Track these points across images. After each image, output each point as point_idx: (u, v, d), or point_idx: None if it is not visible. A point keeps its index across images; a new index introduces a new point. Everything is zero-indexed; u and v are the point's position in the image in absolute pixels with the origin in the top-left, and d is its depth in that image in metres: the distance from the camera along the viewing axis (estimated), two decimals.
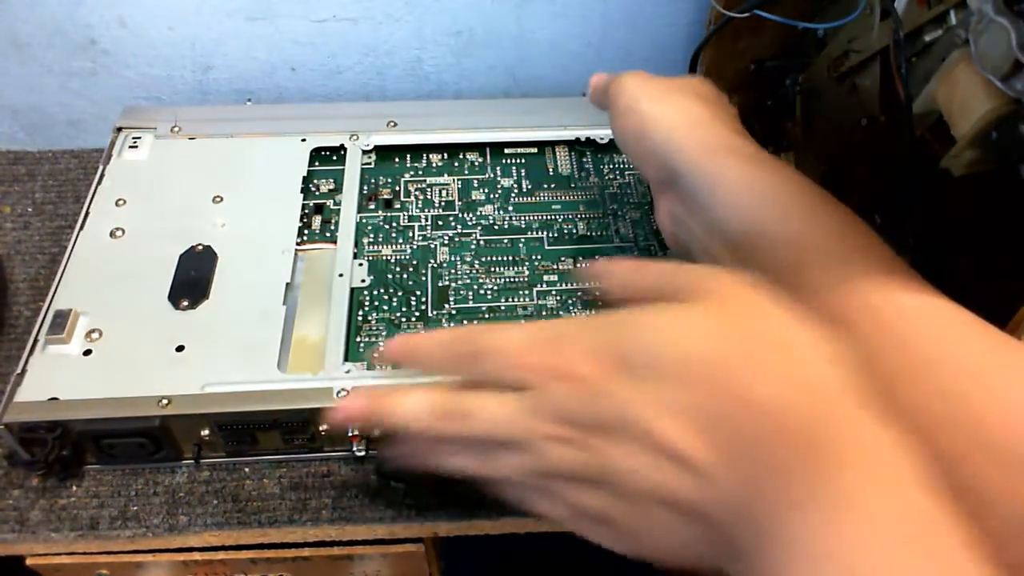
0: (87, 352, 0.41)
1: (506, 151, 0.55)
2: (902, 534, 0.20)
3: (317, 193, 0.52)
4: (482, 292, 0.46)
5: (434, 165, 0.54)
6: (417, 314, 0.45)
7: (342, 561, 0.43)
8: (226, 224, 0.48)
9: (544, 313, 0.45)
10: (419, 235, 0.49)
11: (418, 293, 0.46)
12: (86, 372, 0.40)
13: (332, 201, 0.51)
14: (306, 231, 0.49)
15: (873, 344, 0.28)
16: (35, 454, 0.39)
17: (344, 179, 0.52)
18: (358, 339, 0.44)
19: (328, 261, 0.47)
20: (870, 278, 0.30)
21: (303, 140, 0.53)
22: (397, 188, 0.52)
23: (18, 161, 0.59)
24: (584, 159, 0.55)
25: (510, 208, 0.51)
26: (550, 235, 0.50)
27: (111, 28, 0.59)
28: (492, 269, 0.48)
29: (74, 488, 0.41)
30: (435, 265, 0.48)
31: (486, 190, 0.52)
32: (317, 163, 0.53)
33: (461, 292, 0.46)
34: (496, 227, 0.50)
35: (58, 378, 0.40)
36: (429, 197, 0.52)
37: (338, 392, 0.40)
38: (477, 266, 0.48)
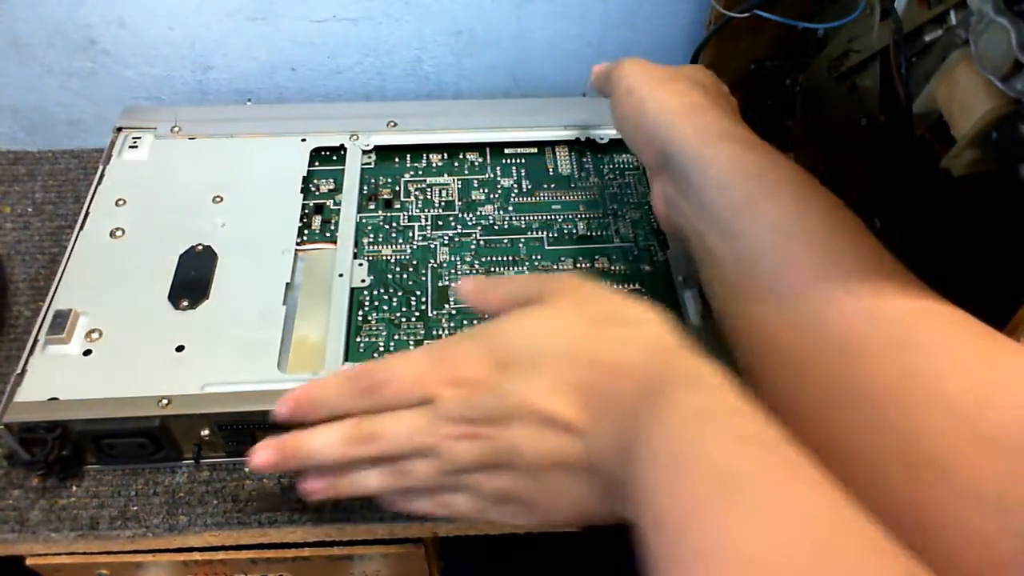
0: (87, 352, 0.41)
1: (506, 151, 0.55)
2: (720, 419, 0.25)
3: (317, 193, 0.52)
4: None
5: (434, 165, 0.54)
6: (417, 314, 0.45)
7: (342, 561, 0.43)
8: (226, 224, 0.48)
9: None
10: (419, 235, 0.49)
11: (418, 293, 0.46)
12: (86, 372, 0.40)
13: (332, 201, 0.51)
14: (306, 231, 0.49)
15: (853, 324, 0.29)
16: (35, 454, 0.39)
17: (344, 179, 0.52)
18: (358, 339, 0.44)
19: (328, 261, 0.47)
20: (852, 264, 0.30)
21: (303, 140, 0.53)
22: (397, 188, 0.52)
23: (18, 161, 0.59)
24: (584, 159, 0.55)
25: (510, 208, 0.51)
26: (550, 235, 0.50)
27: (111, 28, 0.59)
28: (492, 269, 0.48)
29: (74, 488, 0.41)
30: (435, 265, 0.48)
31: (486, 190, 0.52)
32: (317, 163, 0.53)
33: None
34: (496, 227, 0.50)
35: (58, 378, 0.40)
36: (429, 197, 0.52)
37: None
38: (477, 266, 0.48)
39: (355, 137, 0.54)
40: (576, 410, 0.29)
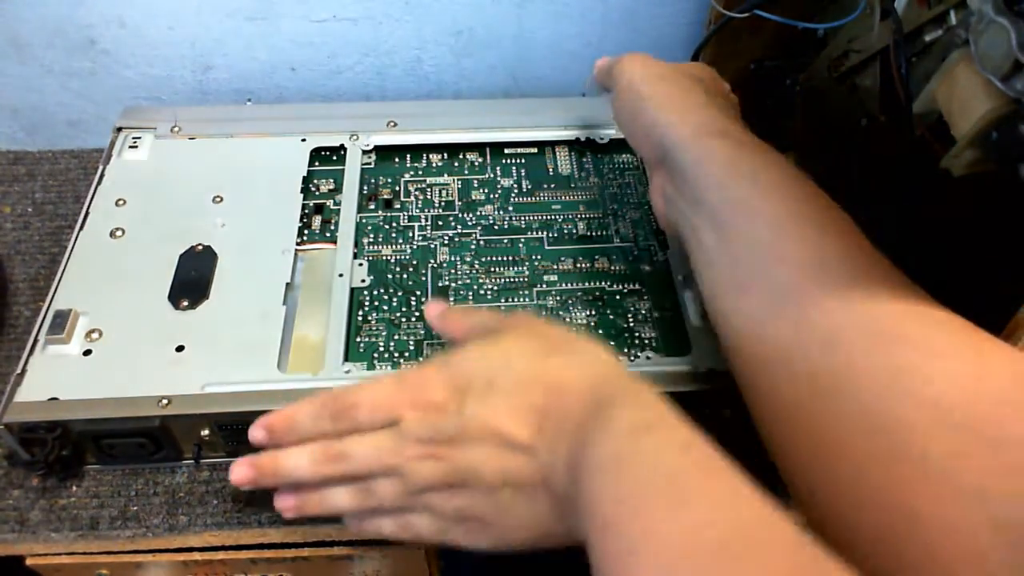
0: (87, 352, 0.41)
1: (506, 151, 0.55)
2: (659, 431, 0.28)
3: (317, 193, 0.52)
4: (482, 292, 0.46)
5: (434, 165, 0.54)
6: (417, 314, 0.45)
7: (342, 561, 0.43)
8: (226, 224, 0.48)
9: (544, 313, 0.45)
10: (419, 235, 0.49)
11: (418, 293, 0.46)
12: (86, 372, 0.40)
13: (332, 201, 0.51)
14: (306, 231, 0.49)
15: (840, 320, 0.29)
16: (35, 454, 0.39)
17: (344, 179, 0.52)
18: (358, 339, 0.44)
19: (328, 261, 0.47)
20: (842, 262, 0.31)
21: (303, 140, 0.53)
22: (397, 188, 0.52)
23: (18, 161, 0.59)
24: (584, 159, 0.55)
25: (510, 208, 0.51)
26: (550, 235, 0.50)
27: (111, 28, 0.59)
28: (492, 269, 0.48)
29: (74, 488, 0.41)
30: (435, 265, 0.48)
31: (486, 190, 0.52)
32: (317, 163, 0.53)
33: (461, 292, 0.46)
34: (496, 227, 0.50)
35: (58, 378, 0.40)
36: (429, 197, 0.52)
37: None
38: (477, 266, 0.48)
39: (355, 137, 0.54)
40: (529, 431, 0.31)
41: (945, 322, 0.28)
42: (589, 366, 0.32)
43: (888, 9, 0.39)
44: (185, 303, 0.44)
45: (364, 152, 0.54)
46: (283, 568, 0.44)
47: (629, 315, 0.45)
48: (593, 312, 0.46)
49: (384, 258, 0.48)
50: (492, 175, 0.53)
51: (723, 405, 0.40)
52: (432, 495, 0.33)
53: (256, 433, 0.35)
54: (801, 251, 0.32)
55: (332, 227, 0.49)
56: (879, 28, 0.41)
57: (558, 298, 0.46)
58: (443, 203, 0.51)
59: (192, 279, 0.45)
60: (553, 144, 0.55)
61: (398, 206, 0.51)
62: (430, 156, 0.54)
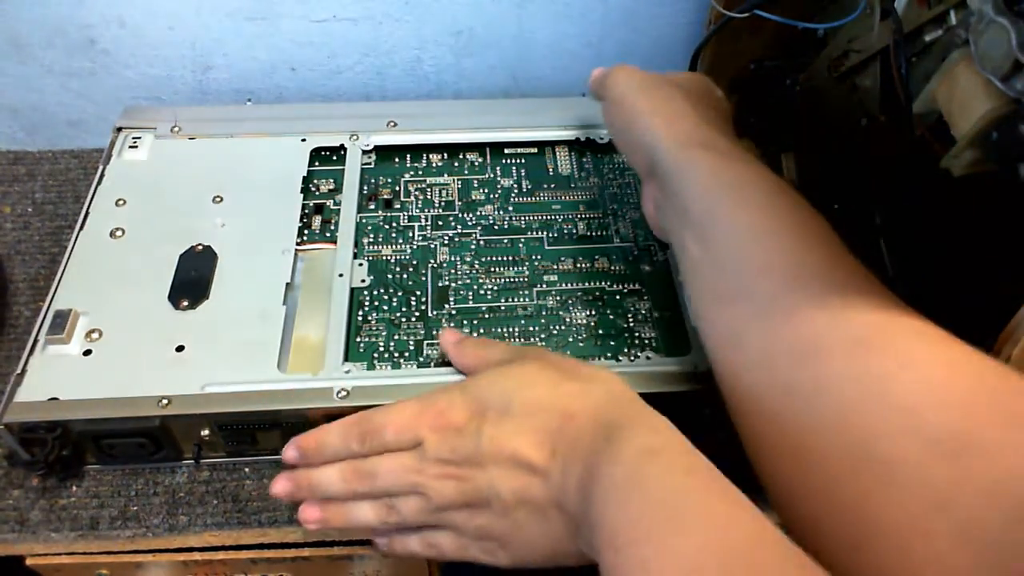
0: (87, 352, 0.41)
1: (506, 151, 0.55)
2: (667, 455, 0.29)
3: (317, 193, 0.52)
4: (482, 292, 0.46)
5: (434, 165, 0.54)
6: (417, 314, 0.45)
7: (342, 561, 0.43)
8: (226, 224, 0.48)
9: (544, 313, 0.45)
10: (419, 235, 0.49)
11: (418, 293, 0.46)
12: (86, 372, 0.40)
13: (332, 201, 0.51)
14: (306, 231, 0.49)
15: (816, 328, 0.30)
16: (35, 454, 0.39)
17: (344, 179, 0.52)
18: (358, 339, 0.44)
19: (328, 261, 0.47)
20: (819, 272, 0.32)
21: (303, 140, 0.53)
22: (397, 188, 0.52)
23: (18, 161, 0.59)
24: (584, 159, 0.55)
25: (510, 208, 0.51)
26: (550, 235, 0.50)
27: (111, 28, 0.59)
28: (492, 269, 0.48)
29: (74, 488, 0.41)
30: (435, 265, 0.48)
31: (486, 190, 0.52)
32: (317, 163, 0.53)
33: (461, 292, 0.46)
34: (496, 227, 0.50)
35: (58, 378, 0.40)
36: (429, 197, 0.52)
37: (338, 392, 0.40)
38: (477, 266, 0.48)
39: (355, 137, 0.54)
40: (544, 453, 0.32)
41: (918, 331, 0.29)
42: (601, 393, 0.34)
43: (888, 9, 0.39)
44: (185, 303, 0.44)
45: (364, 152, 0.54)
46: (283, 568, 0.44)
47: (629, 315, 0.45)
48: (593, 312, 0.46)
49: (384, 258, 0.48)
50: (492, 175, 0.53)
51: (723, 405, 0.40)
52: (453, 513, 0.34)
53: (289, 452, 0.37)
54: (779, 262, 0.32)
55: (332, 227, 0.49)
56: (879, 28, 0.41)
57: (558, 298, 0.46)
58: (443, 203, 0.51)
59: (192, 279, 0.45)
60: (553, 144, 0.55)
61: (398, 206, 0.51)
62: (430, 156, 0.54)
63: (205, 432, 0.40)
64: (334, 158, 0.54)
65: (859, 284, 0.31)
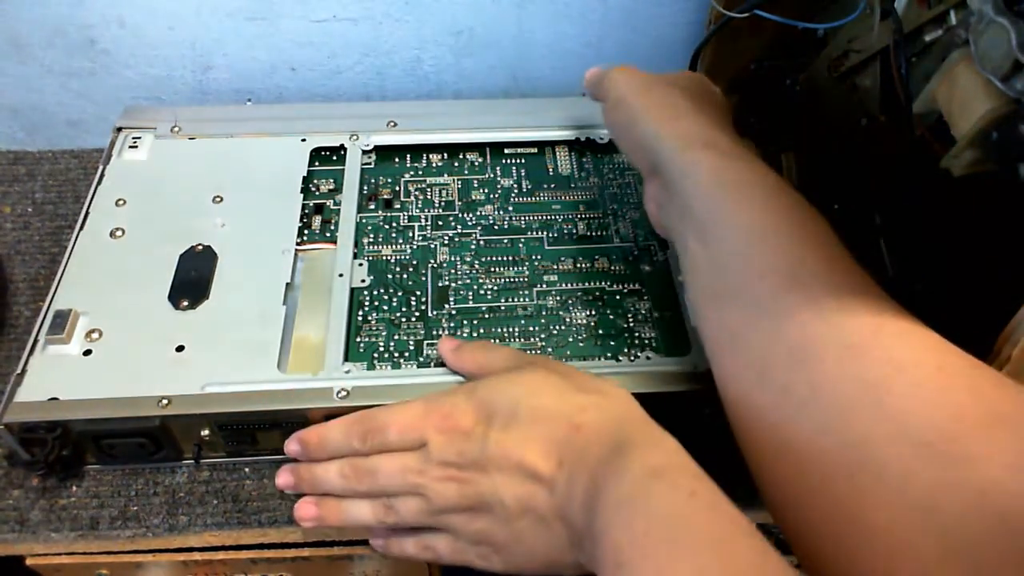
0: (87, 352, 0.41)
1: (506, 151, 0.55)
2: (672, 477, 0.29)
3: (317, 193, 0.52)
4: (482, 292, 0.46)
5: (434, 165, 0.54)
6: (417, 314, 0.45)
7: (342, 561, 0.43)
8: (226, 224, 0.48)
9: (544, 313, 0.45)
10: (419, 235, 0.49)
11: (418, 293, 0.46)
12: (86, 372, 0.40)
13: (332, 201, 0.51)
14: (306, 231, 0.49)
15: (811, 331, 0.30)
16: (35, 454, 0.39)
17: (344, 179, 0.52)
18: (358, 339, 0.44)
19: (328, 261, 0.47)
20: (817, 274, 0.32)
21: (303, 140, 0.53)
22: (397, 188, 0.52)
23: (18, 161, 0.59)
24: (584, 159, 0.55)
25: (510, 208, 0.51)
26: (550, 235, 0.50)
27: (111, 28, 0.59)
28: (492, 269, 0.48)
29: (74, 488, 0.41)
30: (435, 265, 0.48)
31: (486, 190, 0.52)
32: (317, 163, 0.53)
33: (461, 292, 0.46)
34: (496, 227, 0.50)
35: (58, 378, 0.40)
36: (429, 197, 0.52)
37: (338, 392, 0.40)
38: (477, 266, 0.48)
39: (355, 137, 0.54)
40: (551, 463, 0.32)
41: (912, 335, 0.29)
42: (610, 408, 0.34)
43: (888, 9, 0.39)
44: (185, 303, 0.44)
45: (364, 152, 0.54)
46: (283, 568, 0.44)
47: (629, 315, 0.45)
48: (593, 312, 0.46)
49: (384, 258, 0.48)
50: (492, 175, 0.53)
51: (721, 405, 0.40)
52: (452, 516, 0.34)
53: (291, 446, 0.38)
54: (778, 262, 0.32)
55: (332, 227, 0.49)
56: (879, 28, 0.41)
57: (558, 298, 0.46)
58: (443, 203, 0.51)
59: (192, 279, 0.45)
60: (553, 144, 0.55)
61: (398, 206, 0.51)
62: (430, 156, 0.54)
63: (205, 432, 0.40)
64: (334, 158, 0.54)
65: (856, 287, 0.31)
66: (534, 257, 0.48)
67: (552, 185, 0.53)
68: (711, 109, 0.41)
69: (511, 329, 0.45)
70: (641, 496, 0.29)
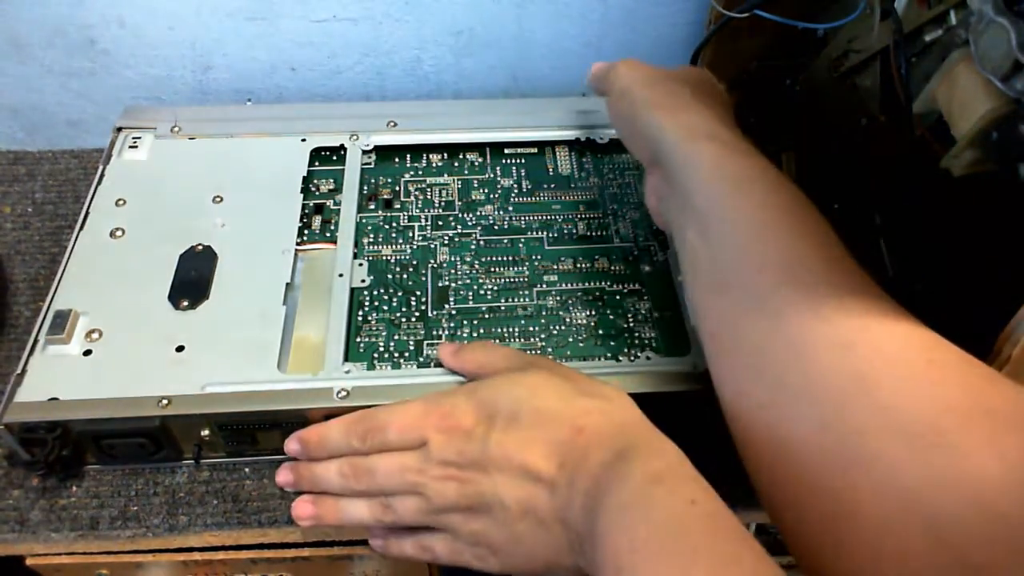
0: (87, 352, 0.41)
1: (506, 151, 0.55)
2: (672, 484, 0.29)
3: (317, 193, 0.52)
4: (482, 292, 0.46)
5: (434, 165, 0.54)
6: (417, 314, 0.45)
7: (342, 561, 0.43)
8: (226, 224, 0.48)
9: (544, 313, 0.45)
10: (419, 235, 0.49)
11: (418, 293, 0.46)
12: (86, 372, 0.40)
13: (332, 201, 0.51)
14: (306, 231, 0.49)
15: (806, 325, 0.30)
16: (35, 454, 0.39)
17: (344, 179, 0.52)
18: (358, 339, 0.44)
19: (328, 261, 0.47)
20: (814, 268, 0.32)
21: (303, 140, 0.53)
22: (397, 188, 0.52)
23: (18, 161, 0.59)
24: (584, 159, 0.55)
25: (510, 208, 0.51)
26: (550, 235, 0.50)
27: (111, 28, 0.59)
28: (492, 269, 0.48)
29: (74, 488, 0.41)
30: (435, 265, 0.48)
31: (486, 190, 0.52)
32: (317, 163, 0.53)
33: (461, 292, 0.46)
34: (496, 227, 0.50)
35: (58, 378, 0.40)
36: (429, 197, 0.52)
37: (338, 392, 0.40)
38: (477, 266, 0.48)
39: (355, 137, 0.54)
40: (552, 465, 0.32)
41: (905, 330, 0.29)
42: (612, 412, 0.34)
43: (888, 9, 0.39)
44: (185, 303, 0.44)
45: (364, 152, 0.54)
46: (283, 568, 0.44)
47: (629, 315, 0.45)
48: (593, 312, 0.46)
49: (384, 258, 0.48)
50: (492, 175, 0.53)
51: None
52: (450, 516, 0.34)
53: (291, 445, 0.38)
54: (776, 256, 0.32)
55: (332, 227, 0.49)
56: (879, 28, 0.41)
57: (558, 298, 0.46)
58: (443, 203, 0.51)
59: (192, 279, 0.45)
60: (553, 144, 0.55)
61: (398, 206, 0.51)
62: (430, 156, 0.54)
63: (205, 432, 0.40)
64: (334, 158, 0.54)
65: (852, 283, 0.31)
66: (534, 257, 0.48)
67: (552, 185, 0.53)
68: (714, 103, 0.41)
69: (511, 329, 0.45)
70: (642, 502, 0.29)
